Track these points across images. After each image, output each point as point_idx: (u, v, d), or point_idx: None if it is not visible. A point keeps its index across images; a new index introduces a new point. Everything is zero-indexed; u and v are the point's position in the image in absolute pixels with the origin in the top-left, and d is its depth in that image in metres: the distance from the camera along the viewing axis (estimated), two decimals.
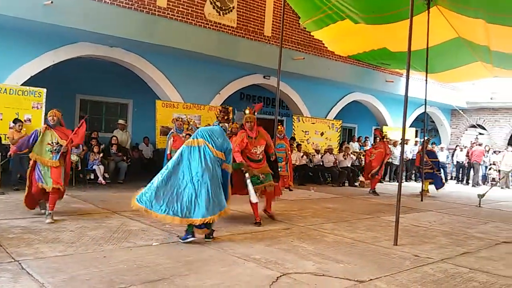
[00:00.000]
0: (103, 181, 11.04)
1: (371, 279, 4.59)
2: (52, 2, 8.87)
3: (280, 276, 4.53)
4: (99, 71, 12.91)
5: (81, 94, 13.71)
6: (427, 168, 13.06)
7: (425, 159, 12.64)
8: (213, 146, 5.76)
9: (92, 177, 11.17)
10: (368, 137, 18.33)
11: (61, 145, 6.73)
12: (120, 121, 13.01)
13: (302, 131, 15.06)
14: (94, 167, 11.08)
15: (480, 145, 18.52)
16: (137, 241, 5.66)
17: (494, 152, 18.57)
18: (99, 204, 8.27)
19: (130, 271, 4.42)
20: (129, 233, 6.03)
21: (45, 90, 9.96)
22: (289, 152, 11.91)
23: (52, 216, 6.54)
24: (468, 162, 18.22)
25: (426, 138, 13.13)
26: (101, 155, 11.26)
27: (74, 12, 9.35)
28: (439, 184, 13.35)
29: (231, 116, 6.35)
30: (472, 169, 18.13)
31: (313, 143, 15.26)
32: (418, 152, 14.11)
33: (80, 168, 10.83)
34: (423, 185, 12.81)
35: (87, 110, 13.92)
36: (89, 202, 8.35)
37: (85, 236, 5.73)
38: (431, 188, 13.33)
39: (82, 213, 7.29)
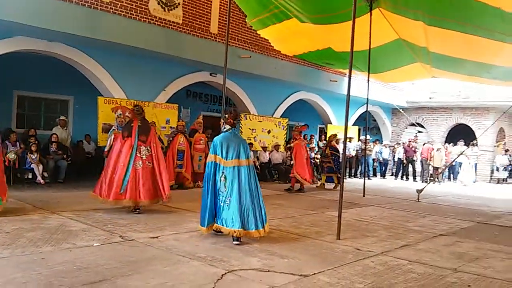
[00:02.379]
0: (42, 181, 10.63)
1: (314, 273, 4.68)
2: None
3: (225, 273, 4.52)
4: (38, 67, 12.35)
5: (19, 90, 13.04)
6: (327, 163, 13.84)
7: (327, 153, 13.84)
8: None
9: (30, 176, 10.72)
10: (313, 135, 18.63)
11: None
12: (62, 117, 12.51)
13: (249, 129, 15.11)
14: (32, 166, 10.63)
15: (430, 142, 19.33)
16: (77, 242, 5.47)
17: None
18: (37, 204, 7.92)
19: (69, 272, 4.27)
20: (69, 234, 5.83)
21: None
22: None
23: None
24: (406, 159, 18.98)
25: (333, 134, 14.41)
26: (38, 154, 10.81)
27: (10, 4, 8.87)
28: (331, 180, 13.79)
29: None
30: (421, 166, 18.95)
31: (260, 141, 15.36)
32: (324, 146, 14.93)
33: (17, 167, 10.37)
34: (322, 178, 13.98)
35: (25, 107, 13.32)
36: (26, 203, 7.98)
37: (22, 238, 5.49)
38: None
39: (19, 213, 6.95)
